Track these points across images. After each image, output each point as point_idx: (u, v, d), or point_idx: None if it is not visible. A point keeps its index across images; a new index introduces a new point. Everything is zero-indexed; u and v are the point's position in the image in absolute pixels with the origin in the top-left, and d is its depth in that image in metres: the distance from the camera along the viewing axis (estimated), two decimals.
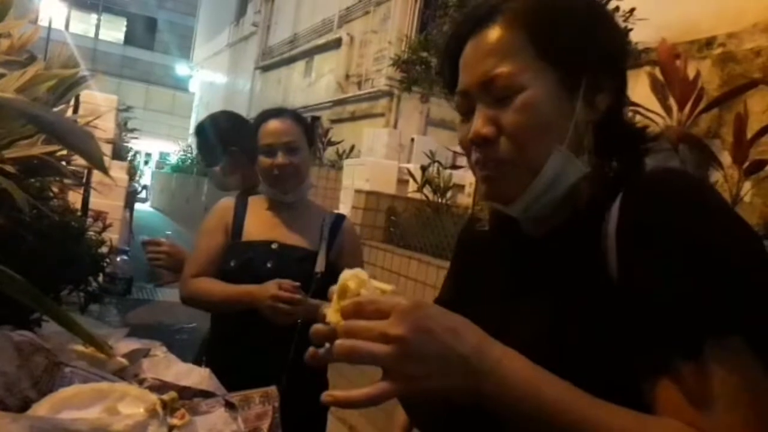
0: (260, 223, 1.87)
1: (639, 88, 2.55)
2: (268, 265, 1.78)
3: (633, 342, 0.62)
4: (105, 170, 0.47)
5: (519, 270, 0.80)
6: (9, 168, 0.89)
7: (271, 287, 1.66)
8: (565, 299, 0.69)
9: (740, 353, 0.58)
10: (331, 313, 0.62)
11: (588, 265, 0.69)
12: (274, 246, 1.81)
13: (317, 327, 0.63)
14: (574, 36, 0.72)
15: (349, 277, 0.64)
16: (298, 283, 1.67)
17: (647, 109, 2.20)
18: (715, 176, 2.37)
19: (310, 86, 11.52)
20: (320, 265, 1.80)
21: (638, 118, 2.32)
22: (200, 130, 2.22)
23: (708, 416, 0.57)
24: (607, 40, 0.74)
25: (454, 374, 0.58)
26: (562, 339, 0.67)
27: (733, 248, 0.61)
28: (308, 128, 1.93)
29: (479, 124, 0.73)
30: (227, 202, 1.94)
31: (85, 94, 2.72)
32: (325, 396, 0.60)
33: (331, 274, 1.79)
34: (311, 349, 0.63)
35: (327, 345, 0.61)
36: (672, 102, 2.13)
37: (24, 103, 0.69)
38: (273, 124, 1.85)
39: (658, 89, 2.15)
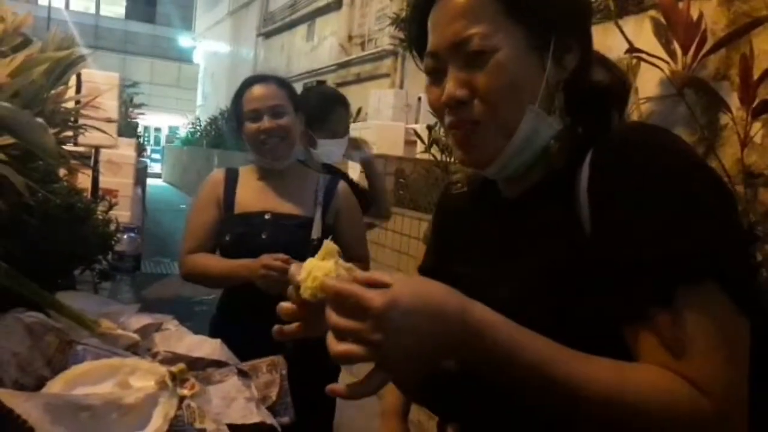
0: (252, 194, 1.86)
1: (643, 34, 2.49)
2: (263, 236, 1.77)
3: (610, 293, 0.63)
4: (59, 162, 0.48)
5: (498, 231, 0.81)
6: (1, 156, 0.90)
7: (263, 258, 1.66)
8: (544, 257, 0.71)
9: (713, 297, 0.59)
10: (304, 289, 0.64)
11: (564, 223, 0.70)
12: (267, 216, 1.80)
13: (284, 305, 0.67)
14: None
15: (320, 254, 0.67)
16: (287, 257, 1.66)
17: (651, 55, 2.15)
18: (724, 119, 2.33)
19: (313, 50, 11.38)
20: (316, 232, 1.79)
21: (642, 65, 2.27)
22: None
23: (686, 361, 0.58)
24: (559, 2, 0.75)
25: (443, 354, 0.60)
26: (543, 296, 0.68)
27: (701, 194, 0.62)
28: (294, 93, 1.91)
29: (452, 86, 0.73)
30: (218, 174, 1.93)
31: (85, 73, 2.72)
32: (329, 389, 0.62)
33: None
34: (276, 326, 0.68)
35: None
36: (676, 46, 2.08)
37: None
38: (257, 90, 1.83)
39: (661, 33, 2.10)
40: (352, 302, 0.58)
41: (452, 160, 4.46)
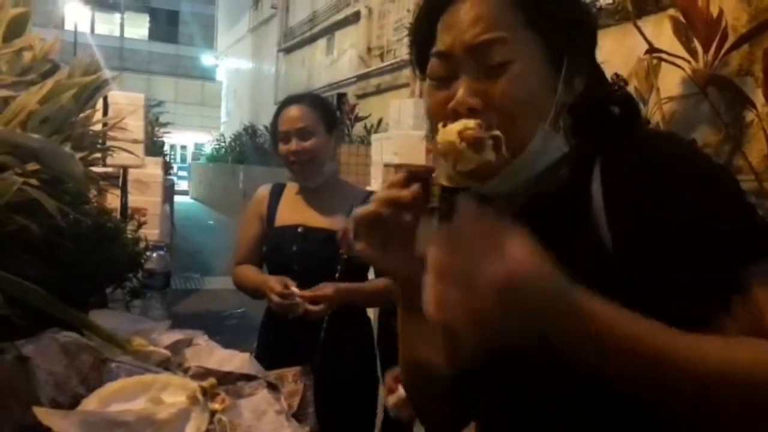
0: (290, 208, 1.93)
1: (663, 34, 2.47)
2: (294, 248, 1.83)
3: (671, 300, 0.61)
4: (87, 188, 0.50)
5: None
6: (33, 181, 0.93)
7: (271, 279, 1.76)
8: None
9: None
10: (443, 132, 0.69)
11: (580, 241, 0.68)
12: (300, 229, 1.86)
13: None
14: (562, 6, 0.72)
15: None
16: (293, 284, 1.72)
17: (672, 54, 2.13)
18: (749, 116, 2.29)
19: (332, 64, 11.47)
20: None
21: (663, 64, 2.24)
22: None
23: None
24: (587, 19, 0.75)
25: (539, 323, 0.57)
26: None
27: (727, 184, 0.65)
28: (327, 112, 1.94)
29: (465, 93, 0.69)
30: (264, 190, 2.02)
31: (111, 95, 2.78)
32: None
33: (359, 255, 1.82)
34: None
35: None
36: (697, 44, 2.05)
37: (4, 132, 0.73)
38: (288, 112, 1.88)
39: (682, 32, 2.08)
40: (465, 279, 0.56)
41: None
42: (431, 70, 0.74)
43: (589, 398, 0.65)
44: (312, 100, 1.94)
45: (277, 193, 1.98)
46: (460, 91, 0.70)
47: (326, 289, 1.72)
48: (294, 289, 1.71)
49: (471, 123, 0.67)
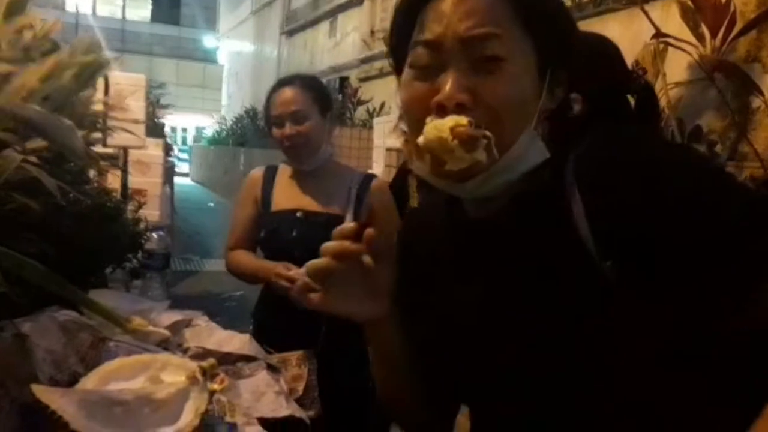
0: (286, 192, 1.90)
1: (670, 19, 2.44)
2: (294, 233, 1.81)
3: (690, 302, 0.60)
4: (86, 162, 0.49)
5: (477, 256, 0.75)
6: (32, 158, 0.92)
7: (279, 266, 1.73)
8: (556, 287, 0.66)
9: None
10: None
11: (564, 249, 0.66)
12: (298, 214, 1.83)
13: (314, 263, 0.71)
14: (555, 13, 0.70)
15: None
16: (299, 274, 1.68)
17: (679, 39, 2.10)
18: (756, 102, 2.27)
19: (336, 47, 11.40)
20: None
21: (670, 49, 2.22)
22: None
23: None
24: (573, 30, 0.73)
25: None
26: (575, 331, 0.64)
27: (717, 173, 0.65)
28: (321, 93, 1.90)
29: (454, 87, 0.65)
30: (257, 173, 1.98)
31: (112, 76, 2.76)
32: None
33: (360, 237, 1.80)
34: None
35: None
36: (704, 29, 2.03)
37: (5, 103, 0.71)
38: (280, 95, 1.84)
39: (689, 17, 2.05)
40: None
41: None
42: (415, 59, 0.70)
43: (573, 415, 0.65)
44: (305, 81, 1.89)
45: (270, 175, 1.94)
46: (449, 84, 0.66)
47: None
48: (302, 273, 1.69)
49: (463, 120, 0.63)
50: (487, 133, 0.64)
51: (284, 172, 1.95)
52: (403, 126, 0.75)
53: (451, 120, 0.64)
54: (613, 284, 0.62)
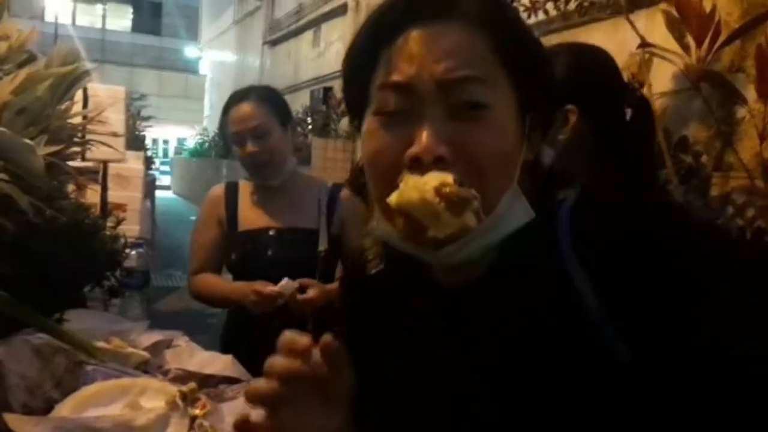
0: (254, 210, 1.82)
1: (656, 28, 2.45)
2: (269, 253, 1.75)
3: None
4: (45, 183, 0.45)
5: (452, 333, 0.65)
6: (2, 175, 0.88)
7: (256, 284, 1.65)
8: (546, 365, 0.57)
9: None
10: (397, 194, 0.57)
11: (564, 329, 0.57)
12: (271, 233, 1.77)
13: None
14: (536, 55, 0.63)
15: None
16: (278, 292, 1.64)
17: (664, 49, 2.11)
18: (741, 112, 2.28)
19: (319, 56, 11.39)
20: (322, 243, 1.75)
21: (656, 59, 2.22)
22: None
23: None
24: (551, 73, 0.66)
25: None
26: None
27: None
28: (279, 105, 1.82)
29: (432, 138, 0.56)
30: (217, 191, 1.88)
31: (91, 88, 2.70)
32: None
33: (336, 250, 1.75)
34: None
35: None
36: (689, 39, 2.03)
37: None
38: (238, 110, 1.76)
39: (674, 27, 2.05)
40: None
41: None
42: (381, 104, 0.60)
43: None
44: (260, 93, 1.80)
45: (233, 193, 1.85)
46: (425, 134, 0.56)
47: (311, 291, 1.65)
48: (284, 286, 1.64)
49: (449, 178, 0.55)
50: (476, 193, 0.55)
51: (246, 187, 1.86)
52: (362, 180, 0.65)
53: (434, 178, 0.55)
54: (625, 365, 0.54)
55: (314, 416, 0.59)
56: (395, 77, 0.59)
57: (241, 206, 1.83)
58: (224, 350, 1.80)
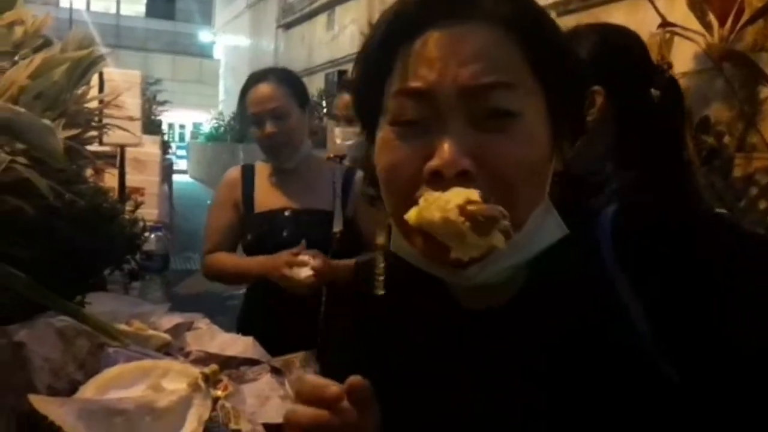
0: (270, 191, 1.84)
1: (676, 7, 2.40)
2: (284, 233, 1.76)
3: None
4: (63, 164, 0.45)
5: (471, 355, 0.60)
6: (21, 159, 0.89)
7: (283, 255, 1.65)
8: (588, 392, 0.54)
9: None
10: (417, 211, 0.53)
11: (600, 343, 0.54)
12: (287, 213, 1.78)
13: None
14: (570, 59, 0.58)
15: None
16: (301, 248, 1.64)
17: (686, 29, 2.07)
18: (764, 92, 2.24)
19: (333, 39, 11.33)
20: (338, 224, 1.76)
21: (677, 39, 2.18)
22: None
23: None
24: (585, 78, 0.63)
25: None
26: None
27: None
28: (298, 87, 1.84)
29: (455, 150, 0.51)
30: (233, 174, 1.90)
31: (107, 72, 2.71)
32: None
33: (351, 232, 1.76)
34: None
35: None
36: (712, 18, 1.99)
37: None
38: (257, 91, 1.77)
39: (696, 6, 2.01)
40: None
41: None
42: (397, 113, 0.55)
43: None
44: (280, 76, 1.81)
45: (249, 175, 1.87)
46: (447, 146, 0.52)
47: (314, 261, 1.64)
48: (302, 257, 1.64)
49: (474, 194, 0.50)
50: (503, 210, 0.50)
51: (263, 170, 1.88)
52: (371, 192, 0.61)
53: (457, 195, 0.50)
54: (674, 387, 0.51)
55: None
56: (414, 83, 0.54)
57: (257, 188, 1.85)
58: (241, 330, 1.84)
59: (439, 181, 0.52)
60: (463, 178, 0.51)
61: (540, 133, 0.55)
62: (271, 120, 1.75)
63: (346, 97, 2.33)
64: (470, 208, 0.49)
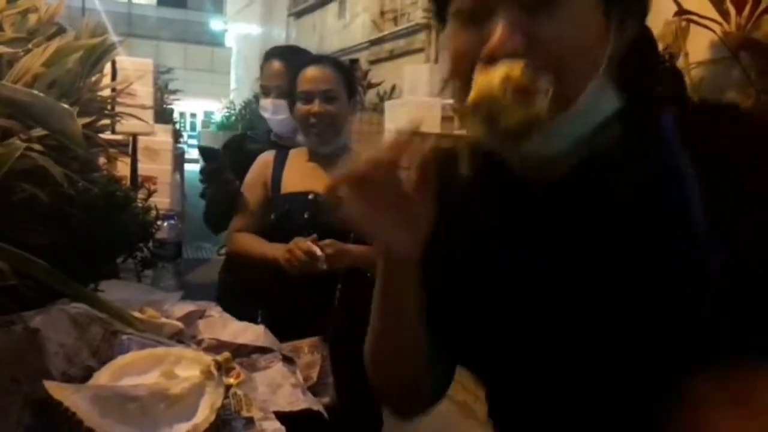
0: (299, 175, 1.88)
1: None
2: (305, 215, 1.79)
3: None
4: (84, 149, 0.45)
5: (529, 227, 0.65)
6: (37, 146, 0.89)
7: (300, 243, 1.68)
8: (636, 268, 0.58)
9: None
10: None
11: (652, 222, 0.58)
12: (310, 196, 1.81)
13: None
14: None
15: None
16: (312, 242, 1.66)
17: (702, 17, 2.04)
18: None
19: (345, 28, 11.28)
20: None
21: (693, 27, 2.15)
22: None
23: None
24: None
25: None
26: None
27: None
28: (350, 77, 1.90)
29: (506, 31, 0.56)
30: (267, 156, 1.96)
31: (119, 61, 2.72)
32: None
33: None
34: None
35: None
36: (729, 5, 1.96)
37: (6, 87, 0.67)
38: (312, 71, 1.83)
39: None
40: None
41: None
42: (458, 5, 0.61)
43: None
44: (336, 63, 1.91)
45: (281, 159, 1.93)
46: (499, 29, 0.56)
47: (328, 249, 1.67)
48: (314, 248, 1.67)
49: (516, 68, 0.55)
50: (545, 80, 0.55)
51: (296, 155, 1.93)
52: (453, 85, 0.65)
53: (501, 69, 0.55)
54: (720, 280, 0.54)
55: (393, 225, 0.60)
56: None
57: (286, 170, 1.90)
58: (263, 310, 1.85)
59: (493, 62, 0.56)
60: (514, 57, 0.55)
61: (589, 15, 0.58)
62: (321, 99, 1.80)
63: (276, 65, 2.21)
64: (511, 80, 0.54)
